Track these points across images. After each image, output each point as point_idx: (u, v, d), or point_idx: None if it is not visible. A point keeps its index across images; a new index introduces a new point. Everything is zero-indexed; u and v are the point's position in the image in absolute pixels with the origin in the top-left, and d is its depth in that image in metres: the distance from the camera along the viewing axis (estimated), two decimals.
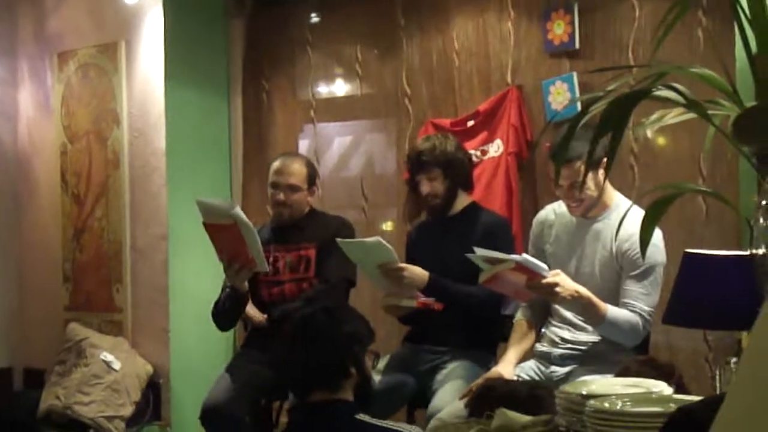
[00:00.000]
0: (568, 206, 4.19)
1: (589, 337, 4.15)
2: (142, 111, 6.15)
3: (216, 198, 5.13)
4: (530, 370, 4.22)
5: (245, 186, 6.41)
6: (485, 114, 5.43)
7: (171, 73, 6.09)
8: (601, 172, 4.07)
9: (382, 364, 4.67)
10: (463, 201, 4.75)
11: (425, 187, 4.68)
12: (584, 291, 3.96)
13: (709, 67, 2.42)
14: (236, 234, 4.59)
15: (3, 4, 6.74)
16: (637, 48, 5.01)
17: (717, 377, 4.35)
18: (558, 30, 5.21)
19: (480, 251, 3.92)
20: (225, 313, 5.01)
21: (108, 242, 6.30)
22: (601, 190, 4.10)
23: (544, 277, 3.89)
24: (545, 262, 4.05)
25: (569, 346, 4.20)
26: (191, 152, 6.21)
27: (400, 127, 5.89)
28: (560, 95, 5.15)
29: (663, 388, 2.74)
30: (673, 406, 2.20)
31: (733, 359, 3.13)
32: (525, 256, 3.90)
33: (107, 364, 5.84)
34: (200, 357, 6.10)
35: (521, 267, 3.85)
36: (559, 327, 4.26)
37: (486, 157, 5.41)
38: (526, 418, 2.64)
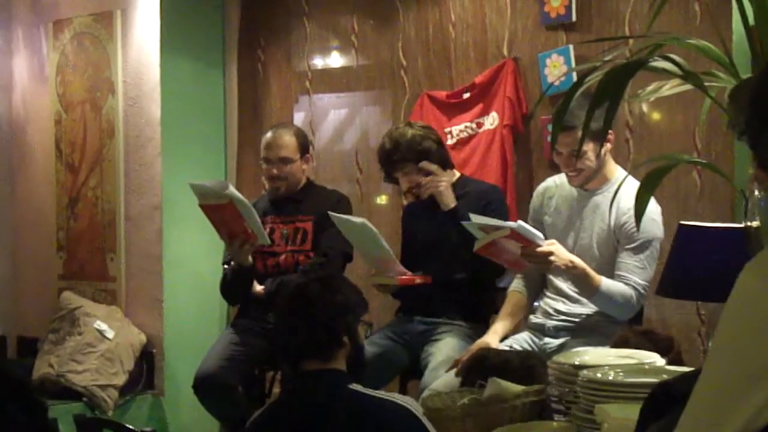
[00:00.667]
0: (567, 175, 4.19)
1: (584, 309, 4.16)
2: (137, 80, 6.13)
3: (208, 180, 5.14)
4: (523, 341, 4.22)
5: (240, 156, 6.39)
6: (481, 86, 5.41)
7: (166, 43, 6.06)
8: (607, 146, 4.08)
9: (374, 335, 4.69)
10: (448, 178, 4.75)
11: (404, 183, 4.71)
12: (579, 261, 3.97)
13: (706, 40, 2.41)
14: (233, 212, 4.61)
15: None
16: (634, 21, 4.99)
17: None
18: (555, 2, 5.19)
19: (475, 218, 3.92)
20: (233, 289, 5.05)
21: (102, 211, 6.29)
22: (600, 161, 4.10)
23: (540, 246, 3.89)
24: (544, 235, 4.05)
25: (563, 318, 4.20)
26: (186, 122, 6.20)
27: (395, 99, 5.88)
28: (556, 68, 5.13)
29: (656, 359, 2.75)
30: (666, 378, 2.21)
31: None
32: (520, 222, 3.89)
33: (101, 332, 5.85)
34: (194, 327, 6.11)
35: (516, 235, 3.85)
36: (553, 299, 4.27)
37: (481, 130, 5.40)
38: (518, 388, 2.65)
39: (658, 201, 4.03)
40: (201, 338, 5.77)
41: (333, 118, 6.24)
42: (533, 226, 4.10)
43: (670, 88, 2.45)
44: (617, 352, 2.88)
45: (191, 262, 6.09)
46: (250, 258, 4.87)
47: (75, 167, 6.42)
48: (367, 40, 5.99)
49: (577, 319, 4.18)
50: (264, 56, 6.41)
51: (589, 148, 4.02)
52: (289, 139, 5.09)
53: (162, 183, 6.02)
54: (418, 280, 4.54)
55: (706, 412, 1.31)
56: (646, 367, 2.65)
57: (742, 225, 2.24)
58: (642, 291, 4.02)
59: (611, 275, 4.03)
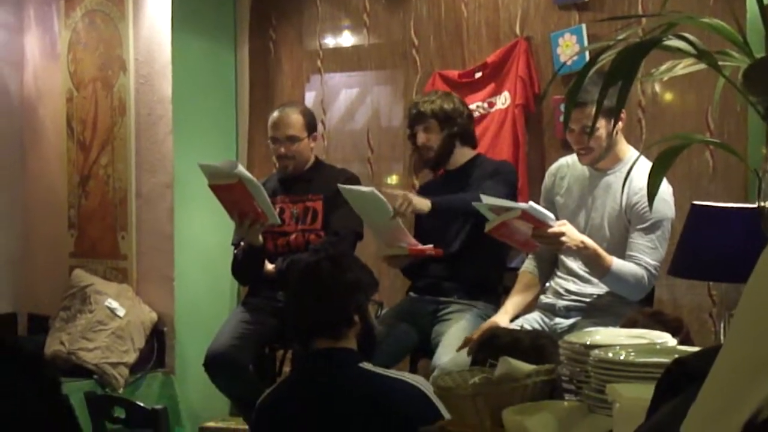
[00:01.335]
0: (578, 153, 4.18)
1: (594, 289, 4.15)
2: (149, 58, 6.13)
3: (218, 159, 5.14)
4: (534, 321, 4.22)
5: (251, 135, 6.39)
6: (493, 66, 5.39)
7: (178, 21, 6.05)
8: (619, 125, 4.06)
9: (385, 314, 4.69)
10: (465, 155, 4.75)
11: (421, 138, 4.70)
12: (590, 242, 3.96)
13: (719, 19, 2.40)
14: (243, 191, 4.61)
15: None
16: (647, 1, 4.97)
17: (721, 332, 4.36)
18: None
19: (486, 199, 3.91)
20: (244, 270, 5.07)
21: (113, 189, 6.29)
22: (612, 141, 4.09)
23: (551, 227, 3.89)
24: (555, 215, 4.05)
25: (574, 297, 4.20)
26: (197, 100, 6.19)
27: (407, 79, 5.86)
28: (569, 48, 5.11)
29: (667, 339, 2.74)
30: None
31: None
32: (531, 203, 3.88)
33: (112, 310, 5.86)
34: (205, 305, 6.11)
35: (527, 215, 3.84)
36: (564, 279, 4.27)
37: (493, 109, 5.38)
38: (529, 367, 2.64)
39: (670, 181, 4.02)
40: (212, 316, 5.78)
41: (344, 98, 6.22)
42: (545, 206, 4.09)
43: (684, 67, 2.43)
44: (628, 332, 2.87)
45: (202, 241, 6.09)
46: (260, 238, 4.87)
47: (86, 145, 6.42)
48: (379, 19, 5.97)
49: (588, 299, 4.18)
50: (275, 35, 6.39)
51: (601, 125, 4.01)
52: (295, 118, 5.09)
53: (173, 161, 6.02)
54: (429, 251, 4.53)
55: (723, 394, 1.30)
56: (658, 347, 2.64)
57: (755, 205, 2.23)
58: (653, 271, 4.02)
59: (622, 255, 4.02)
